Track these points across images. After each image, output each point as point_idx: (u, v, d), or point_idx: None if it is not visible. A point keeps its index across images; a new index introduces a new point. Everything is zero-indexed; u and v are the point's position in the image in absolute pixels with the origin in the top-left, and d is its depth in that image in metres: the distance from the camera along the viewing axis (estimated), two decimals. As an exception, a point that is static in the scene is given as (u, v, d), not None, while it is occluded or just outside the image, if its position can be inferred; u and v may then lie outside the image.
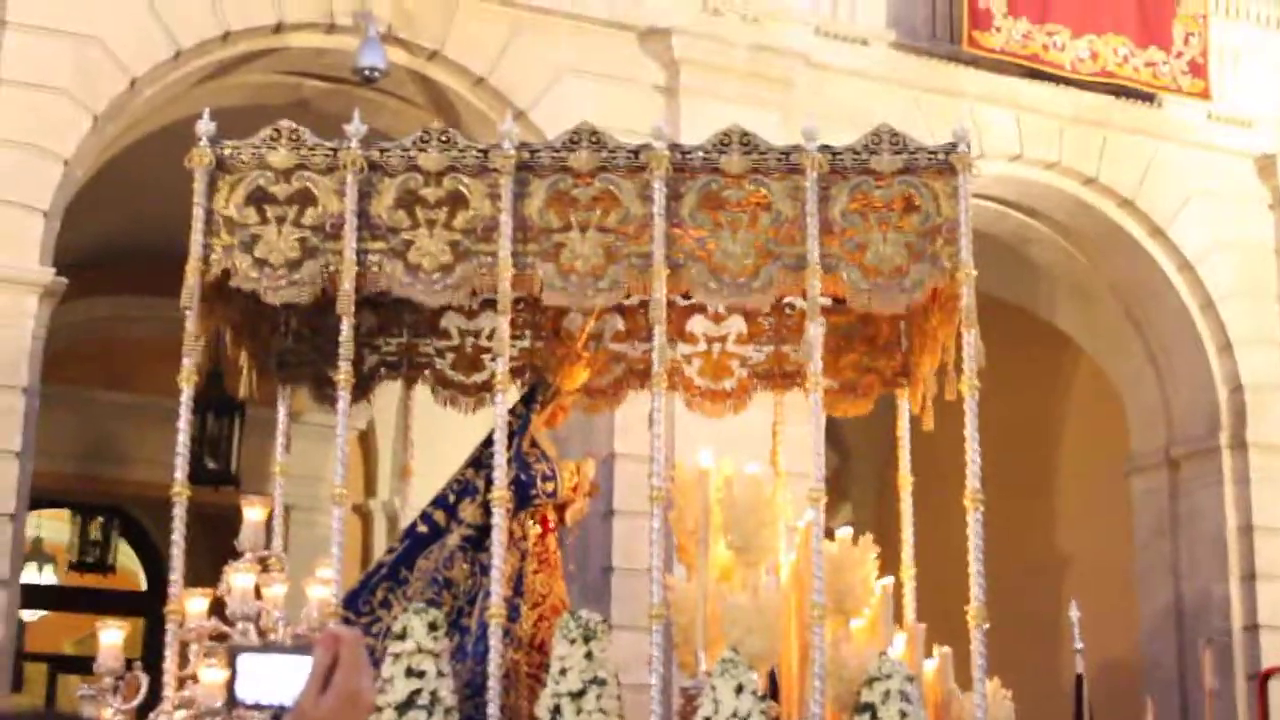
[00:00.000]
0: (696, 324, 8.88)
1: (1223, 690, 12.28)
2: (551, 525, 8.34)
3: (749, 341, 8.90)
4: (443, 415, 9.20)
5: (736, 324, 8.86)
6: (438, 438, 9.29)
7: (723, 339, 8.92)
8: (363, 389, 8.94)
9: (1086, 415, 15.70)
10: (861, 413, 9.02)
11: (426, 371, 8.94)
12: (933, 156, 7.36)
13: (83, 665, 16.35)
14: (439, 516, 8.12)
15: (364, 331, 8.86)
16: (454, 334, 8.93)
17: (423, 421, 9.22)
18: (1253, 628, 12.99)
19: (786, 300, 7.78)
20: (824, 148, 7.37)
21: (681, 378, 8.93)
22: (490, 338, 8.65)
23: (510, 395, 7.84)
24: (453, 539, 8.00)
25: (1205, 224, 13.42)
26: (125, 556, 17.73)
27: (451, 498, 8.15)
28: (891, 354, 8.71)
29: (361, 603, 7.90)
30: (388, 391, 10.44)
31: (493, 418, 7.56)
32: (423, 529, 8.13)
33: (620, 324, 8.71)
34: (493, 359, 8.66)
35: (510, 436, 8.08)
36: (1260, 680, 12.27)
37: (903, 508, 8.21)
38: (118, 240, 13.71)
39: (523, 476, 8.12)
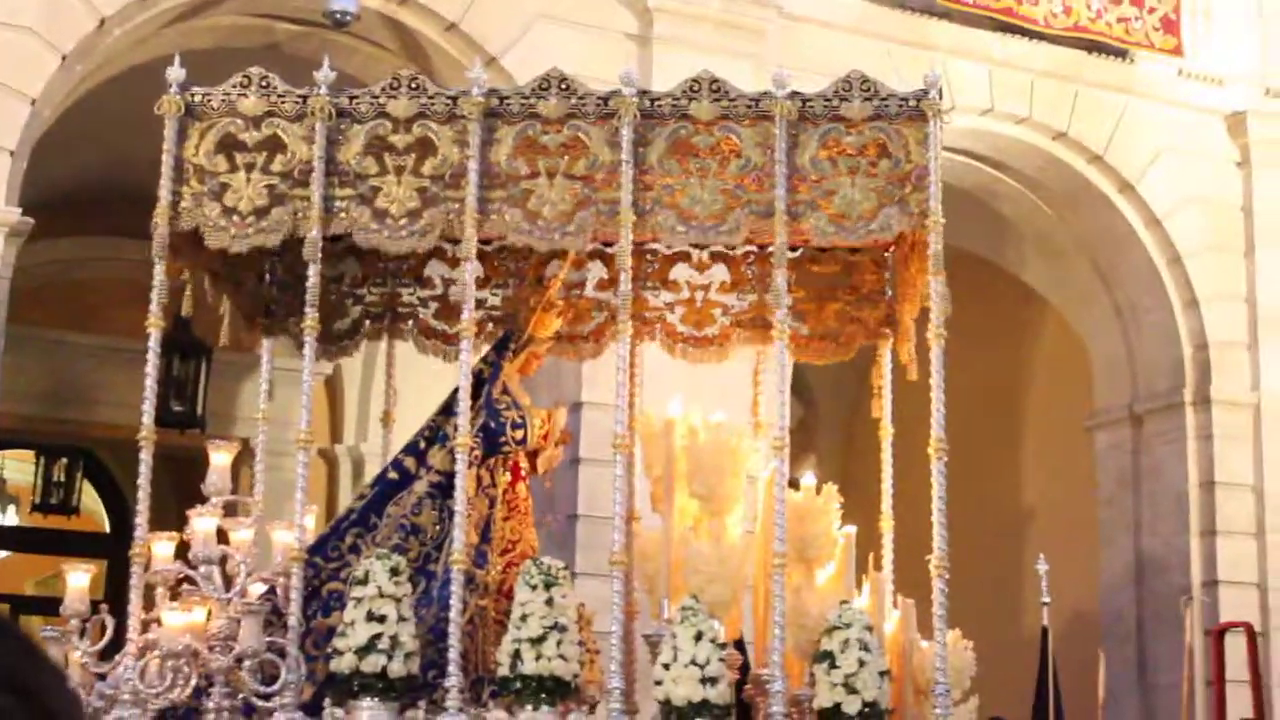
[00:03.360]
0: (680, 271, 8.87)
1: (1182, 645, 12.40)
2: (523, 473, 8.35)
3: (732, 290, 8.90)
4: (419, 361, 9.19)
5: (720, 272, 8.85)
6: (413, 384, 9.28)
7: (705, 287, 8.92)
8: (350, 339, 8.94)
9: (1052, 370, 15.78)
10: (843, 359, 9.03)
11: (410, 321, 8.94)
12: (904, 103, 7.35)
13: (45, 606, 16.37)
14: (409, 463, 8.13)
15: (348, 282, 8.86)
16: (438, 283, 8.92)
17: (399, 368, 9.22)
18: (1211, 583, 13.10)
19: (771, 248, 7.77)
20: (794, 94, 7.36)
21: (664, 325, 8.93)
22: (479, 287, 8.66)
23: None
24: (421, 485, 8.01)
25: (1174, 180, 13.46)
26: (89, 498, 17.70)
27: (422, 444, 8.16)
28: (875, 303, 8.70)
29: (330, 548, 7.91)
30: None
31: (473, 367, 7.58)
32: (393, 475, 8.14)
33: (605, 272, 8.70)
34: (475, 307, 8.68)
35: (481, 384, 8.09)
36: (1216, 635, 12.38)
37: (883, 458, 8.21)
38: (85, 181, 13.64)
39: (492, 424, 8.12)
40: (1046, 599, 9.78)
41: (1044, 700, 10.08)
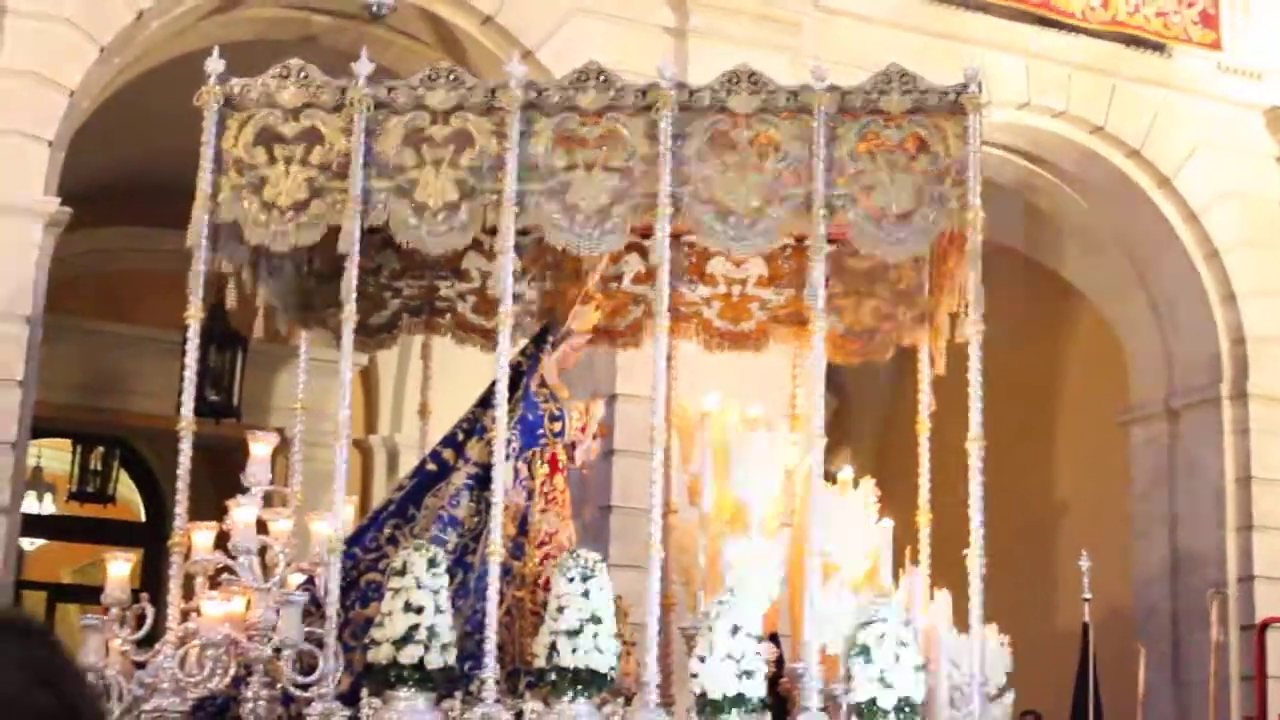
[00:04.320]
0: (717, 265, 8.85)
1: (1220, 639, 12.34)
2: (561, 465, 8.36)
3: (769, 284, 8.88)
4: (456, 353, 9.21)
5: (757, 266, 8.82)
6: (451, 375, 9.30)
7: (743, 281, 8.90)
8: (388, 331, 8.97)
9: (1088, 364, 15.71)
10: (879, 360, 9.00)
11: (448, 314, 8.95)
12: (943, 97, 7.33)
13: (81, 594, 16.45)
14: (448, 455, 8.15)
15: (386, 274, 8.88)
16: (475, 275, 8.92)
17: (435, 360, 9.24)
18: (1248, 579, 13.04)
19: (808, 242, 7.75)
20: (833, 87, 7.34)
21: (700, 320, 8.92)
22: (516, 280, 8.67)
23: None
24: (459, 477, 8.03)
25: (1212, 175, 13.39)
26: (125, 487, 17.78)
27: (460, 436, 8.18)
28: (912, 301, 8.67)
29: (368, 539, 7.93)
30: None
31: (512, 360, 7.58)
32: (432, 467, 8.16)
33: (641, 266, 8.69)
34: (513, 300, 8.68)
35: (519, 376, 8.10)
36: (1259, 630, 12.32)
37: (920, 453, 8.19)
38: (123, 172, 13.69)
39: (530, 416, 8.13)
40: (1088, 595, 9.73)
41: (1084, 696, 10.04)
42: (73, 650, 1.96)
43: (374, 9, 10.77)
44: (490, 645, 7.02)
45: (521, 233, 7.61)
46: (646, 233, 7.51)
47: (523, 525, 8.07)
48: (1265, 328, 13.43)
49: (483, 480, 7.68)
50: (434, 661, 6.88)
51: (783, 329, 8.89)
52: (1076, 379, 16.09)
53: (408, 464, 11.07)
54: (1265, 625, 12.31)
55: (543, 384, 8.29)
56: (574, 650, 6.88)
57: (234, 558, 7.46)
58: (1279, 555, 13.12)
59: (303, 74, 7.50)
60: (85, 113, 10.69)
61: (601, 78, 7.46)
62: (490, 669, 6.98)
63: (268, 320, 8.49)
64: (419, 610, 6.92)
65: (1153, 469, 13.98)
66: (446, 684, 7.00)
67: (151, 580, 12.75)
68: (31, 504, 16.70)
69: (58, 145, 10.22)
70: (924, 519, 8.22)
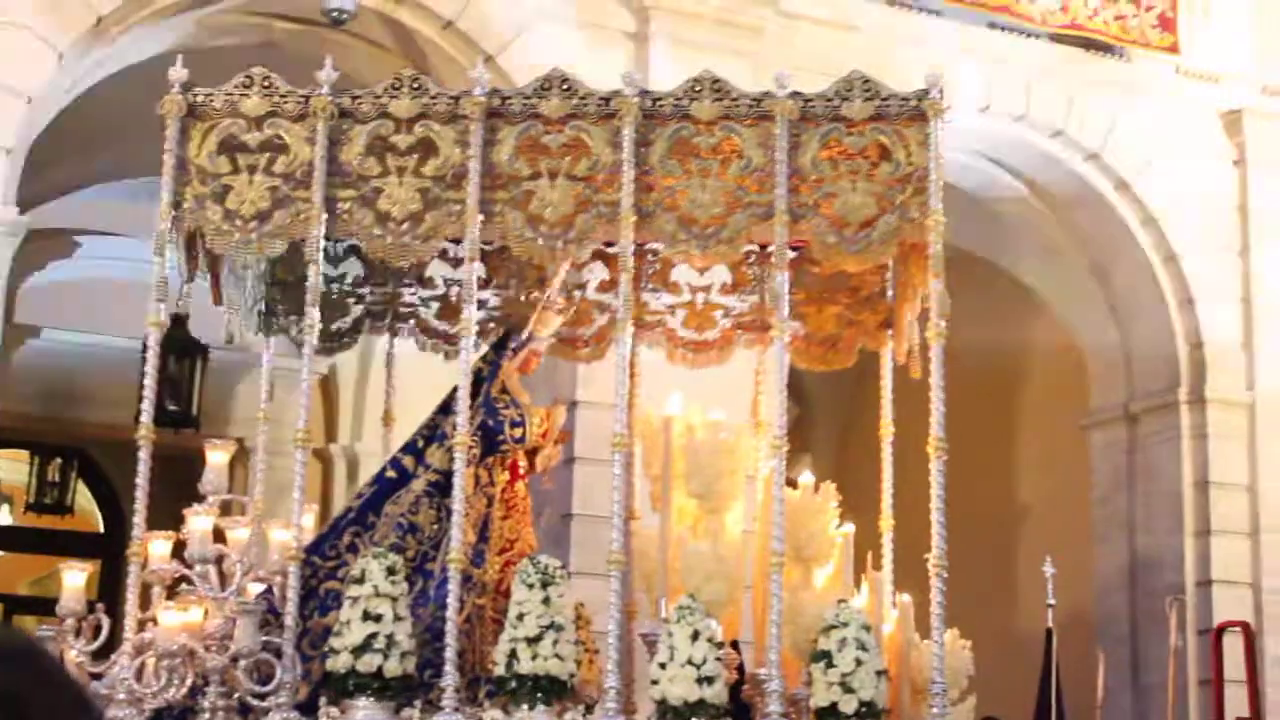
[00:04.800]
0: (681, 273, 8.84)
1: (1180, 643, 12.39)
2: (522, 471, 8.34)
3: (733, 291, 8.88)
4: (419, 360, 9.18)
5: (721, 274, 8.83)
6: (413, 383, 9.26)
7: (707, 289, 8.90)
8: (351, 337, 8.95)
9: (1049, 369, 15.76)
10: (843, 367, 8.99)
11: (411, 320, 8.93)
12: (905, 103, 7.35)
13: (39, 606, 16.33)
14: (407, 462, 8.13)
15: (349, 281, 8.87)
16: (440, 283, 8.91)
17: (398, 367, 9.21)
18: (1206, 583, 13.09)
19: (772, 248, 7.74)
20: (795, 94, 7.35)
21: (665, 329, 8.92)
22: (481, 287, 8.66)
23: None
24: (419, 484, 8.00)
25: (1171, 178, 13.44)
26: (83, 498, 17.68)
27: (420, 443, 8.16)
28: (875, 306, 8.68)
29: (328, 547, 7.90)
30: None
31: (473, 366, 7.57)
32: (391, 474, 8.14)
33: (605, 273, 8.69)
34: (478, 307, 8.66)
35: (480, 382, 8.08)
36: (1215, 635, 12.38)
37: (884, 458, 8.20)
38: (82, 180, 13.61)
39: (490, 422, 8.11)
40: (1052, 601, 9.74)
41: (1047, 701, 10.06)
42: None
43: (335, 15, 10.73)
44: (450, 653, 7.00)
45: (485, 240, 7.60)
46: (611, 240, 7.50)
47: (483, 532, 8.05)
48: (1223, 332, 13.49)
49: (443, 487, 7.65)
50: (393, 670, 6.85)
51: (747, 336, 8.89)
52: (1037, 383, 16.14)
53: (368, 472, 11.03)
54: (1221, 630, 12.37)
55: (504, 390, 8.27)
56: (534, 657, 6.86)
57: (190, 567, 7.41)
58: (1236, 560, 13.17)
59: (266, 83, 7.48)
60: (44, 120, 10.62)
61: (565, 85, 7.45)
62: (450, 677, 6.96)
63: (231, 327, 8.46)
64: (377, 618, 6.90)
65: (1112, 473, 14.02)
66: (405, 692, 6.97)
67: (111, 591, 12.68)
68: (-12, 514, 16.61)
69: (16, 153, 10.15)
70: (886, 524, 8.22)
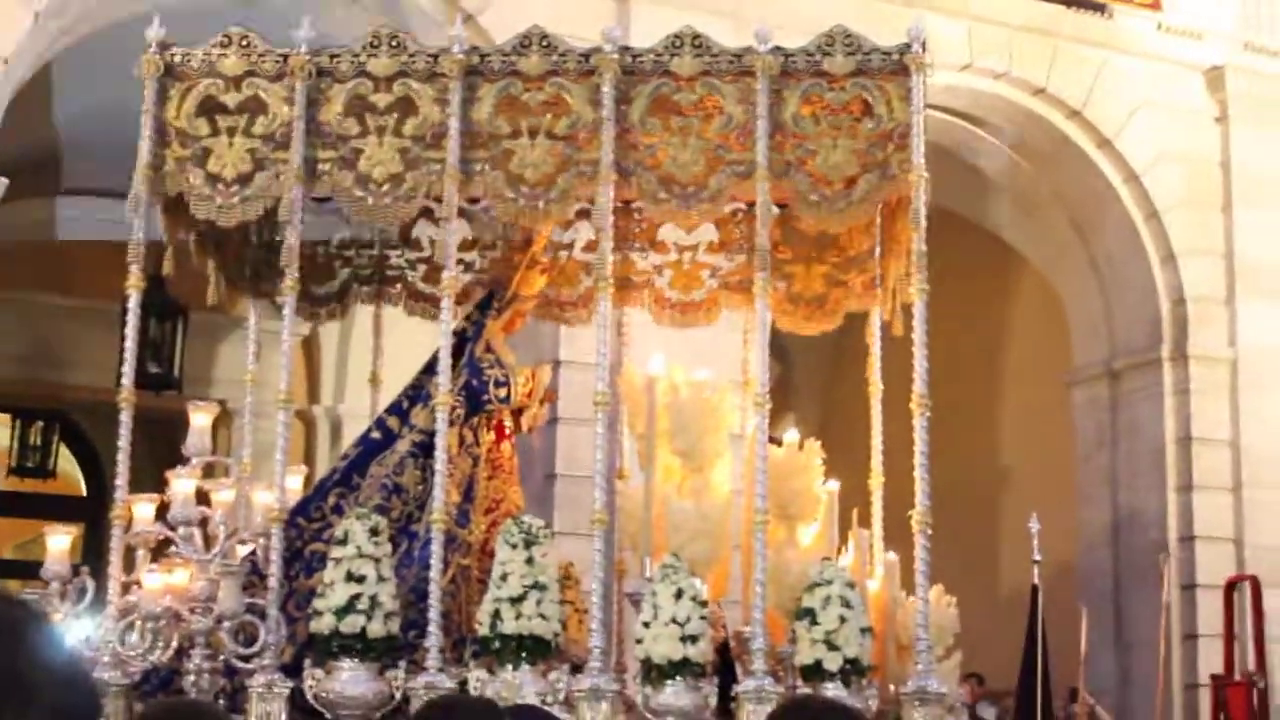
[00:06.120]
0: (667, 233, 8.81)
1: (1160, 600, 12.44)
2: (507, 431, 8.33)
3: (720, 250, 8.85)
4: (405, 322, 9.15)
5: (708, 233, 8.79)
6: (400, 344, 9.24)
7: (694, 248, 8.86)
8: (339, 301, 8.92)
9: (1032, 327, 15.78)
10: (828, 329, 8.95)
11: (398, 284, 8.89)
12: (886, 57, 7.31)
13: (23, 570, 16.31)
14: (392, 422, 8.11)
15: (336, 244, 8.82)
16: (426, 244, 8.86)
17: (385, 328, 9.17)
18: (1188, 539, 13.14)
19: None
20: (776, 49, 7.31)
21: (652, 290, 8.89)
22: (466, 249, 8.63)
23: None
24: (403, 445, 7.99)
25: (1152, 135, 13.45)
26: (66, 461, 17.63)
27: (405, 403, 8.15)
28: (863, 266, 8.64)
29: (313, 508, 7.89)
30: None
31: (457, 327, 7.55)
32: (376, 435, 8.12)
33: (592, 234, 8.65)
34: (464, 269, 8.64)
35: (465, 343, 8.06)
36: (1226, 588, 12.40)
37: (873, 416, 8.19)
38: (61, 140, 13.53)
39: (474, 382, 8.09)
40: (1038, 557, 9.77)
41: (1033, 658, 10.09)
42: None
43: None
44: (434, 614, 6.99)
45: (472, 201, 7.57)
46: (593, 200, 7.46)
47: (468, 492, 8.04)
48: (1205, 288, 13.51)
49: (427, 448, 7.63)
50: (376, 631, 6.85)
51: (734, 296, 8.86)
52: (1021, 341, 16.17)
53: (351, 433, 11.02)
54: (1232, 584, 12.38)
55: (488, 349, 8.25)
56: (517, 617, 6.86)
57: (174, 529, 7.40)
58: (1219, 515, 13.22)
59: (244, 42, 7.42)
60: (21, 80, 10.55)
61: (544, 42, 7.40)
62: (434, 637, 6.96)
63: (217, 290, 8.42)
64: (360, 579, 6.89)
65: (1095, 430, 14.06)
66: (390, 653, 6.97)
67: (94, 555, 12.65)
68: (-30, 479, 16.57)
69: (-7, 114, 10.09)
70: (877, 481, 8.21)
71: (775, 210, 7.45)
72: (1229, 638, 12.18)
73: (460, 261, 8.60)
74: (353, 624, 6.84)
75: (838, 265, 8.73)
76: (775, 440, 8.04)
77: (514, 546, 6.96)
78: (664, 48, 7.37)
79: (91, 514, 15.18)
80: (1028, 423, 15.73)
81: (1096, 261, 13.95)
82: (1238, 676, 11.97)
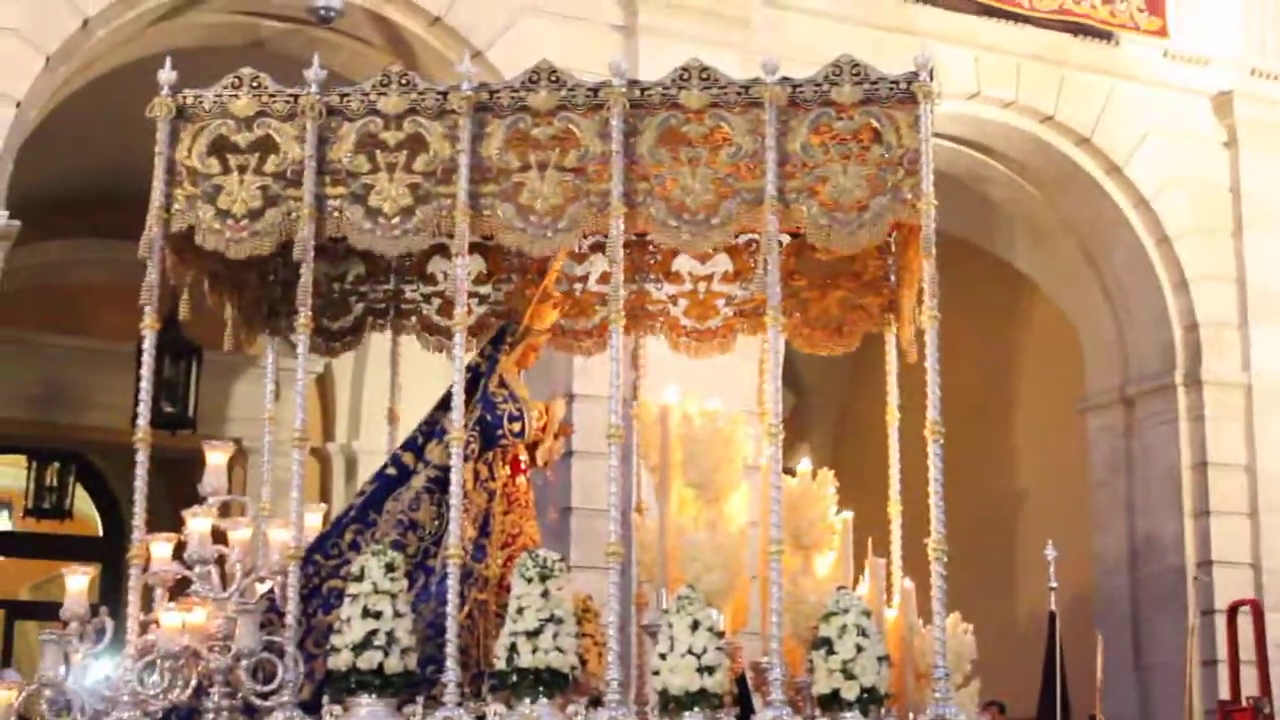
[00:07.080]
0: (682, 263, 8.83)
1: (1180, 625, 12.43)
2: (523, 466, 8.33)
3: (735, 280, 8.87)
4: (422, 358, 9.16)
5: (723, 262, 8.82)
6: (416, 380, 9.25)
7: (708, 278, 8.88)
8: (354, 335, 8.94)
9: (1043, 354, 15.78)
10: (846, 351, 8.95)
11: (413, 318, 8.92)
12: (894, 86, 7.32)
13: (40, 611, 16.33)
14: (407, 459, 8.12)
15: (352, 279, 8.85)
16: (440, 279, 8.88)
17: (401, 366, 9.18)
18: (1206, 563, 13.12)
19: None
20: (784, 80, 7.33)
21: (667, 319, 8.91)
22: (480, 282, 8.66)
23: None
24: (419, 480, 7.99)
25: (1161, 161, 13.48)
26: (82, 502, 17.67)
27: (420, 439, 8.15)
28: (879, 290, 8.66)
29: (330, 545, 7.89)
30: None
31: (470, 361, 7.55)
32: (391, 471, 8.13)
33: (606, 266, 8.66)
34: (479, 303, 8.66)
35: (479, 378, 8.08)
36: (1230, 612, 12.37)
37: (890, 442, 8.18)
38: (72, 183, 13.61)
39: (489, 417, 8.10)
40: (1054, 584, 9.74)
41: (1051, 685, 10.06)
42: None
43: (322, 13, 10.74)
44: (451, 649, 6.99)
45: (485, 236, 7.60)
46: (605, 233, 7.48)
47: (484, 527, 8.04)
48: (1217, 313, 13.52)
49: (442, 483, 7.64)
50: (393, 666, 6.84)
51: (750, 324, 8.87)
52: (1034, 368, 16.16)
53: (366, 471, 11.03)
54: (1235, 607, 12.36)
55: (502, 384, 8.26)
56: (534, 651, 6.85)
57: (191, 568, 7.41)
58: (1236, 540, 13.20)
59: (255, 83, 7.46)
60: (32, 123, 10.61)
61: (553, 77, 7.43)
62: (452, 672, 6.96)
63: (235, 333, 8.44)
64: (377, 615, 6.89)
65: (1110, 456, 14.05)
66: (407, 688, 6.96)
67: (111, 596, 12.67)
68: (-13, 521, 16.62)
69: (4, 157, 10.14)
70: (895, 509, 8.19)
71: (786, 239, 7.46)
72: (1234, 663, 12.15)
73: (475, 294, 8.63)
74: (370, 660, 6.84)
75: (854, 290, 8.74)
76: (789, 471, 8.03)
77: (529, 580, 6.95)
78: (671, 80, 7.39)
79: (107, 554, 15.22)
80: (1042, 449, 15.71)
81: (1108, 287, 13.96)
82: (1244, 702, 11.93)
